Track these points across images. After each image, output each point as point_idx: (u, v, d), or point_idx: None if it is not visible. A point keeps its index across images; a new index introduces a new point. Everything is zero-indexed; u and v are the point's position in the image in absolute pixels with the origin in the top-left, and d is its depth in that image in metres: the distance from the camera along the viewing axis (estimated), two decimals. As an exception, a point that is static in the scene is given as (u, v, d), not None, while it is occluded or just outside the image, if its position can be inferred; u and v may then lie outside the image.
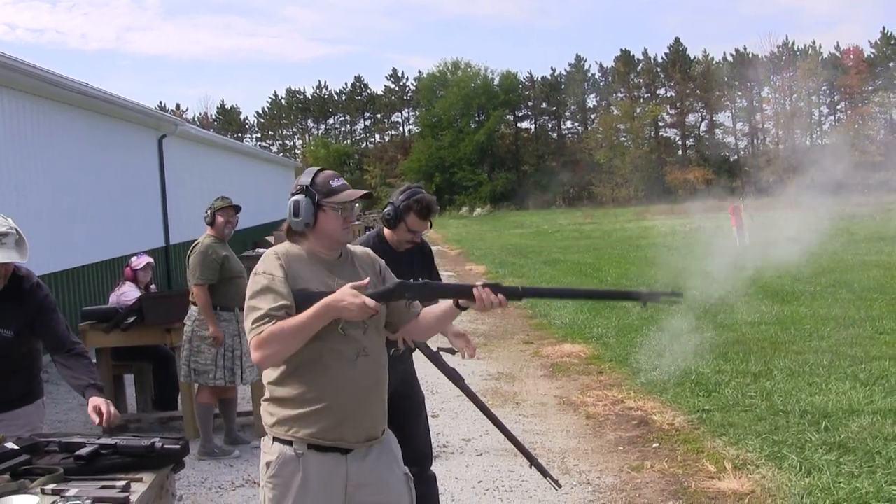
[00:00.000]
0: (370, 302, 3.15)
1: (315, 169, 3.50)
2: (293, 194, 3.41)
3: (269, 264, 3.34)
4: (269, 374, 3.40)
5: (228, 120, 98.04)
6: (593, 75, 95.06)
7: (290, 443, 3.33)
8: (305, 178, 3.44)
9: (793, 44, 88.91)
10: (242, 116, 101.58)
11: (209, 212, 7.61)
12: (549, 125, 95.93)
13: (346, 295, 3.15)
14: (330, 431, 3.31)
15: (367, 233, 5.26)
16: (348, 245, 3.60)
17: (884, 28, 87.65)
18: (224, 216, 7.62)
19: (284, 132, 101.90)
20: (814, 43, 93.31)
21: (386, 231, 5.05)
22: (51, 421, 9.01)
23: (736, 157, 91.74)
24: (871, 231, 30.29)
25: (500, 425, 5.06)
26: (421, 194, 4.97)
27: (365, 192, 3.62)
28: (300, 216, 3.37)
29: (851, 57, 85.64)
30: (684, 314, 13.51)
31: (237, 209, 7.73)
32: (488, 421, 8.08)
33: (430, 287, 3.42)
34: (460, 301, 3.36)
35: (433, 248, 5.58)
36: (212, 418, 7.51)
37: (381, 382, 3.45)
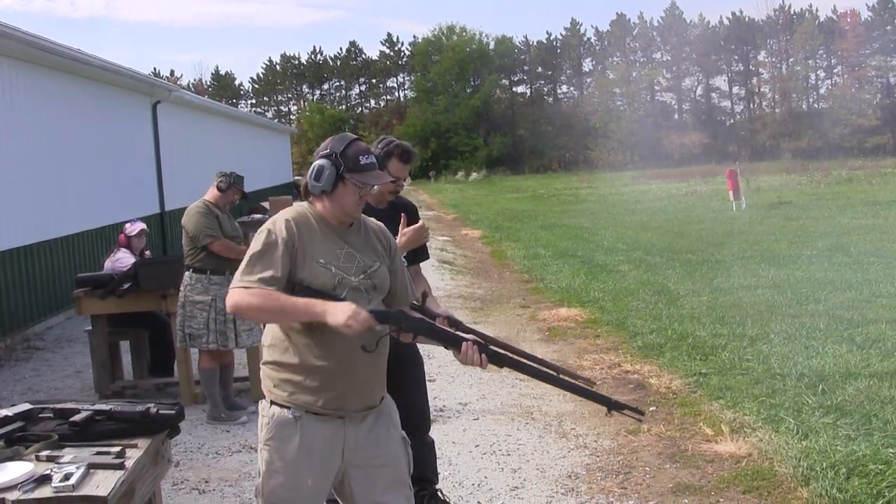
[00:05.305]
0: (369, 323, 3.17)
1: (351, 137, 3.43)
2: (320, 156, 3.37)
3: (280, 226, 3.30)
4: (269, 338, 3.39)
5: (223, 86, 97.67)
6: (589, 39, 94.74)
7: (287, 406, 3.32)
8: (337, 145, 3.37)
9: (789, 7, 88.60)
10: (237, 83, 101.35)
11: (226, 180, 7.57)
12: (545, 90, 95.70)
13: (347, 316, 3.13)
14: (329, 401, 3.30)
15: None
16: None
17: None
18: (235, 193, 7.66)
19: (279, 98, 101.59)
20: (810, 6, 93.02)
21: None
22: (46, 388, 9.00)
23: (732, 121, 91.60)
24: (868, 195, 30.27)
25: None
26: (399, 142, 4.94)
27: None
28: (320, 182, 3.33)
29: (849, 20, 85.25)
30: (681, 279, 13.51)
31: (243, 195, 7.80)
32: (484, 384, 8.09)
33: (425, 323, 3.40)
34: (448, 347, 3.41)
35: (429, 213, 5.51)
36: (216, 383, 7.47)
37: (382, 351, 3.43)
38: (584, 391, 3.54)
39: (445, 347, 3.42)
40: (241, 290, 3.18)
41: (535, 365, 3.63)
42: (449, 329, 3.44)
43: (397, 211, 5.03)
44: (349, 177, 3.32)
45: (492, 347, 3.41)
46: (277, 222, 3.33)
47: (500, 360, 3.40)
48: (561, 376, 3.62)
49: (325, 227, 3.38)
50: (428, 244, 5.41)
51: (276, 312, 3.21)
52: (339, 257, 3.33)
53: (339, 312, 3.13)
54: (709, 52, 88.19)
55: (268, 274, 3.20)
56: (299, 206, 3.44)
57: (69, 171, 13.91)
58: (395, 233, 4.47)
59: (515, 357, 3.50)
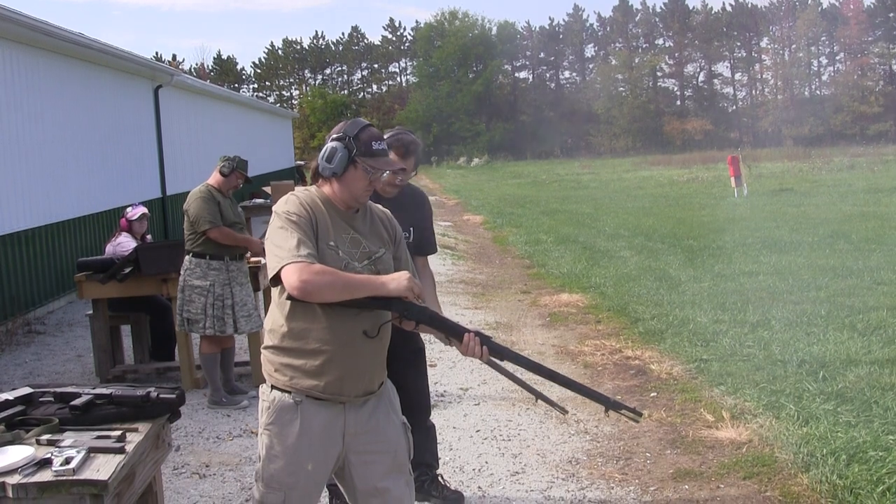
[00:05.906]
0: (417, 289, 3.22)
1: (364, 122, 3.42)
2: (333, 139, 3.36)
3: (297, 207, 3.28)
4: (270, 323, 3.37)
5: (225, 70, 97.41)
6: (591, 25, 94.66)
7: (288, 391, 3.31)
8: (351, 129, 3.36)
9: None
10: (239, 67, 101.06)
11: (229, 164, 7.52)
12: (548, 75, 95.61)
13: (408, 279, 3.20)
14: (329, 386, 3.29)
15: None
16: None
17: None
18: (238, 178, 7.61)
19: (281, 83, 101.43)
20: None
21: None
22: (47, 372, 9.01)
23: (734, 107, 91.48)
24: (869, 182, 30.23)
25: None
26: (401, 134, 4.87)
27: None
28: (332, 164, 3.32)
29: (851, 7, 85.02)
30: (682, 265, 13.50)
31: (247, 180, 7.76)
32: (486, 369, 8.09)
33: (428, 312, 3.37)
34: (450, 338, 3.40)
35: (431, 198, 5.49)
36: (217, 367, 7.46)
37: (383, 338, 3.43)
38: (583, 389, 3.52)
39: (447, 338, 3.41)
40: (303, 266, 3.10)
41: (535, 362, 3.60)
42: (452, 321, 3.42)
43: (406, 199, 5.00)
44: (361, 161, 3.31)
45: (493, 341, 3.39)
46: (292, 203, 3.31)
47: (500, 353, 3.39)
48: (560, 375, 3.59)
49: (332, 211, 3.37)
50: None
51: (342, 288, 3.15)
52: (345, 241, 3.32)
53: (399, 279, 3.20)
54: (711, 39, 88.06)
55: (313, 251, 3.18)
56: (306, 190, 3.43)
57: (70, 156, 13.88)
58: (402, 221, 4.47)
59: (512, 352, 3.48)
